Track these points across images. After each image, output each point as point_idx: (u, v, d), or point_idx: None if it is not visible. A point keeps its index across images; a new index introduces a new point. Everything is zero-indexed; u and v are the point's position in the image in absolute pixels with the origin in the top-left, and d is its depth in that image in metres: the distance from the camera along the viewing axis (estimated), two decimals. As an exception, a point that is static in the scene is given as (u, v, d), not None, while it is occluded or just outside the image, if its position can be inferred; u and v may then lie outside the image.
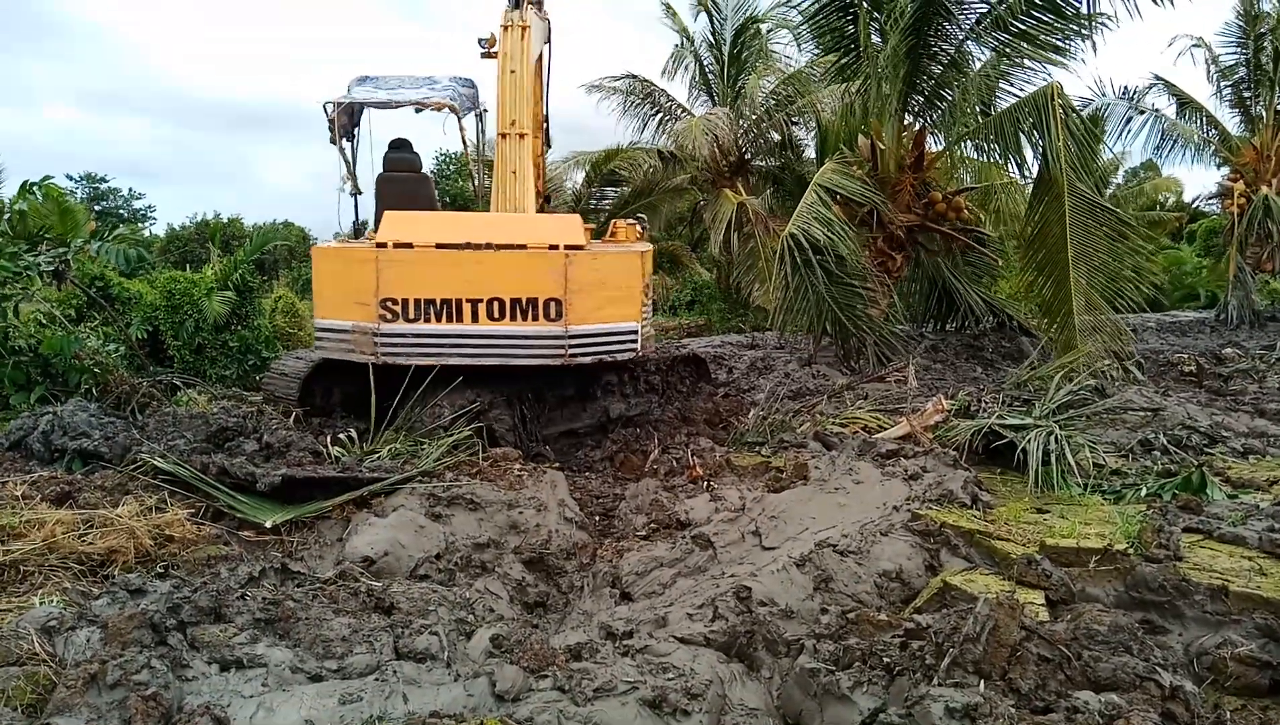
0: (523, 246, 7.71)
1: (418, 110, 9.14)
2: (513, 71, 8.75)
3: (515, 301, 7.63)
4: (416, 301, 7.69)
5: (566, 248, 7.72)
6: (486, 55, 9.16)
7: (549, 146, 11.18)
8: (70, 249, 12.91)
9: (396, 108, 9.06)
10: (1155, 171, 31.34)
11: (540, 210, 9.59)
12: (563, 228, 8.02)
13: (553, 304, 7.62)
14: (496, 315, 7.65)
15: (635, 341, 7.98)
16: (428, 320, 7.69)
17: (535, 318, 7.64)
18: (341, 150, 9.26)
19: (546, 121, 10.88)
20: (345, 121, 9.16)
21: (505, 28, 8.94)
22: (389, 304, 7.70)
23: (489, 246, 7.70)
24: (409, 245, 7.75)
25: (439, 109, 8.78)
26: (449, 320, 7.67)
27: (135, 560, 4.95)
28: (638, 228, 9.54)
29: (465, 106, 9.33)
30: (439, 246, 7.76)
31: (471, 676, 3.67)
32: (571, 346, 7.70)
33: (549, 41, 10.77)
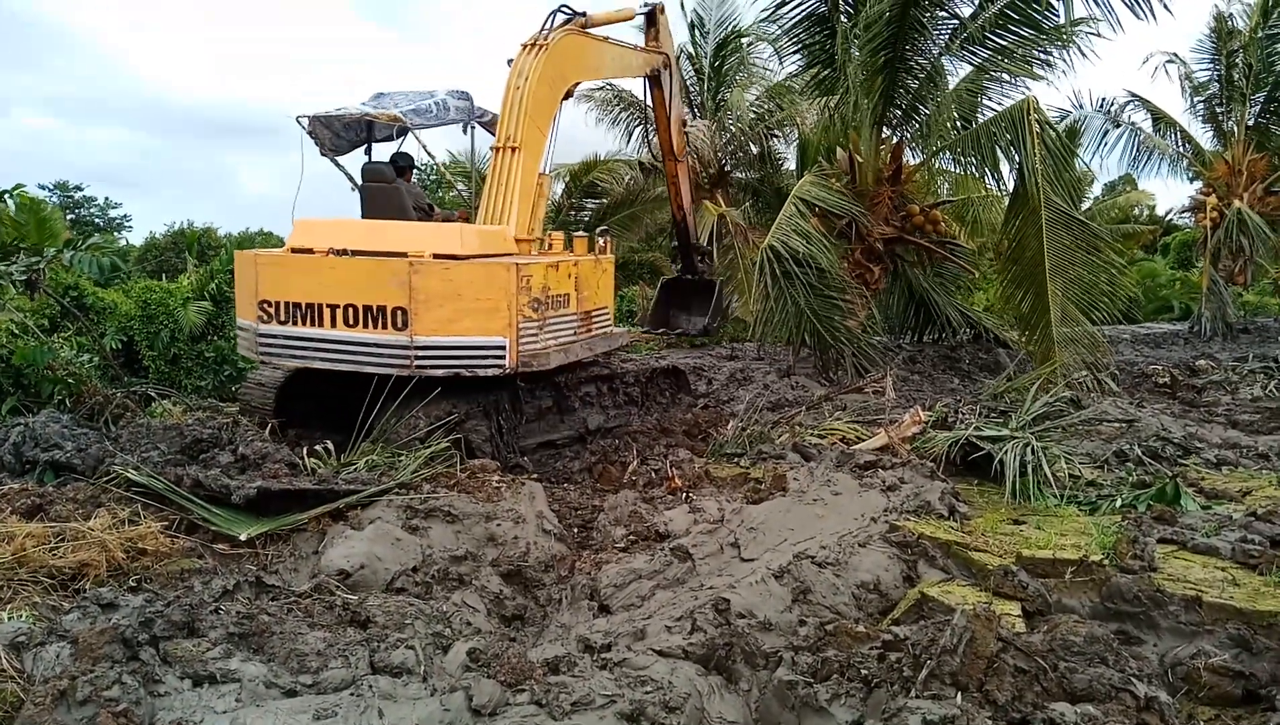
0: (403, 255, 7.70)
1: (372, 122, 9.18)
2: (517, 88, 8.83)
3: (367, 308, 7.67)
4: (285, 304, 7.92)
5: (434, 257, 7.66)
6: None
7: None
8: (44, 258, 12.78)
9: (350, 122, 9.09)
10: (1132, 185, 31.68)
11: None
12: (444, 236, 7.99)
13: (399, 313, 7.60)
14: (351, 321, 7.73)
15: (502, 356, 7.78)
16: (295, 322, 7.89)
17: (383, 326, 7.66)
18: (336, 163, 9.31)
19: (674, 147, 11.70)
20: (332, 137, 9.19)
21: (525, 45, 9.07)
22: (265, 306, 8.00)
23: (343, 253, 7.83)
24: (309, 251, 7.99)
25: (390, 121, 8.84)
26: (311, 323, 7.83)
27: (107, 574, 4.88)
28: (599, 240, 9.53)
29: (448, 118, 9.36)
30: (294, 251, 8.09)
31: (448, 691, 3.64)
32: (418, 357, 7.65)
33: (668, 69, 11.04)
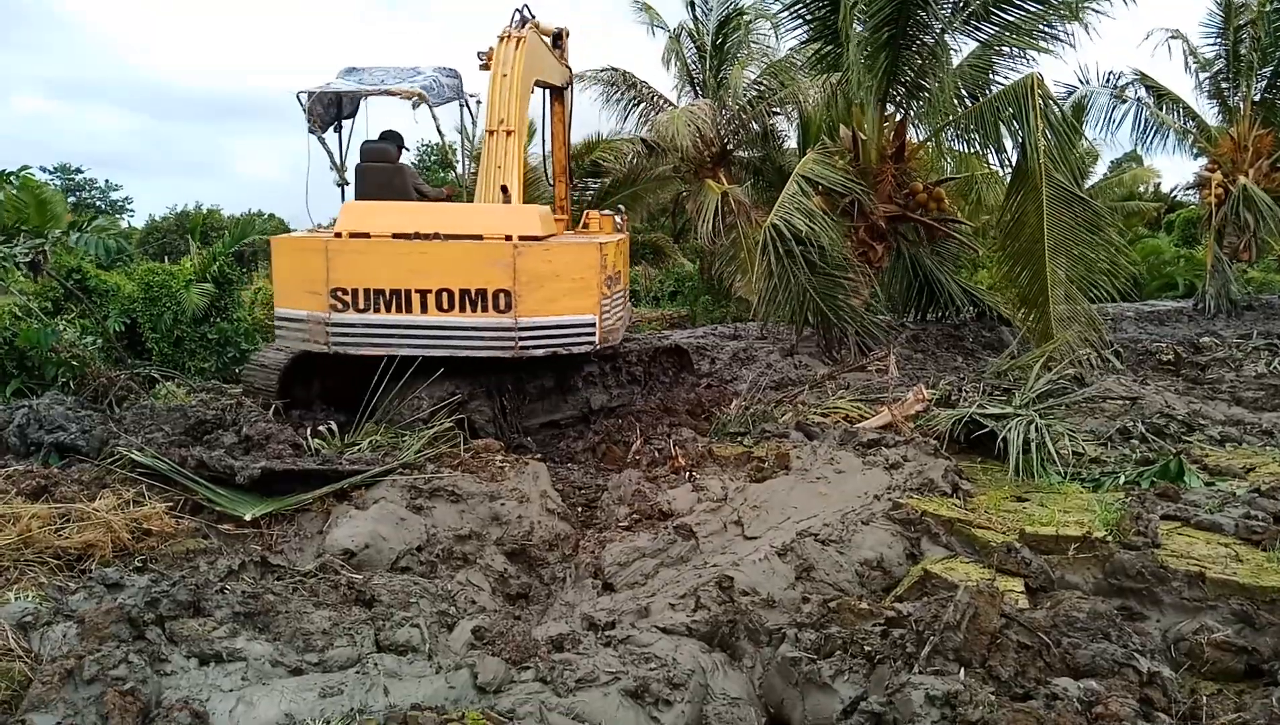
0: (479, 237, 7.67)
1: (417, 102, 9.10)
2: (504, 75, 8.86)
3: (465, 292, 7.59)
4: (367, 291, 7.68)
5: (520, 239, 7.66)
6: (484, 67, 9.34)
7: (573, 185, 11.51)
8: (48, 240, 12.77)
9: (366, 96, 9.02)
10: (1138, 162, 31.48)
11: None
12: (519, 218, 7.98)
13: (502, 295, 7.57)
14: (446, 306, 7.62)
15: (592, 334, 7.90)
16: (378, 310, 7.69)
17: (485, 309, 7.60)
18: (322, 141, 9.18)
19: (570, 169, 11.47)
20: (322, 112, 9.08)
21: (502, 38, 9.11)
22: (339, 294, 7.69)
23: (436, 237, 7.69)
24: (365, 235, 7.74)
25: (409, 97, 8.76)
26: (399, 310, 7.66)
27: (113, 554, 4.91)
28: (615, 218, 9.54)
29: (446, 96, 9.28)
30: (392, 237, 7.76)
31: (453, 668, 3.66)
32: (523, 339, 7.64)
33: (569, 87, 11.08)
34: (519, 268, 7.54)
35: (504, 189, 8.47)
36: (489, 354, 7.69)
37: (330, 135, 9.26)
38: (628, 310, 9.65)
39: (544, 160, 11.76)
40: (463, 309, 7.61)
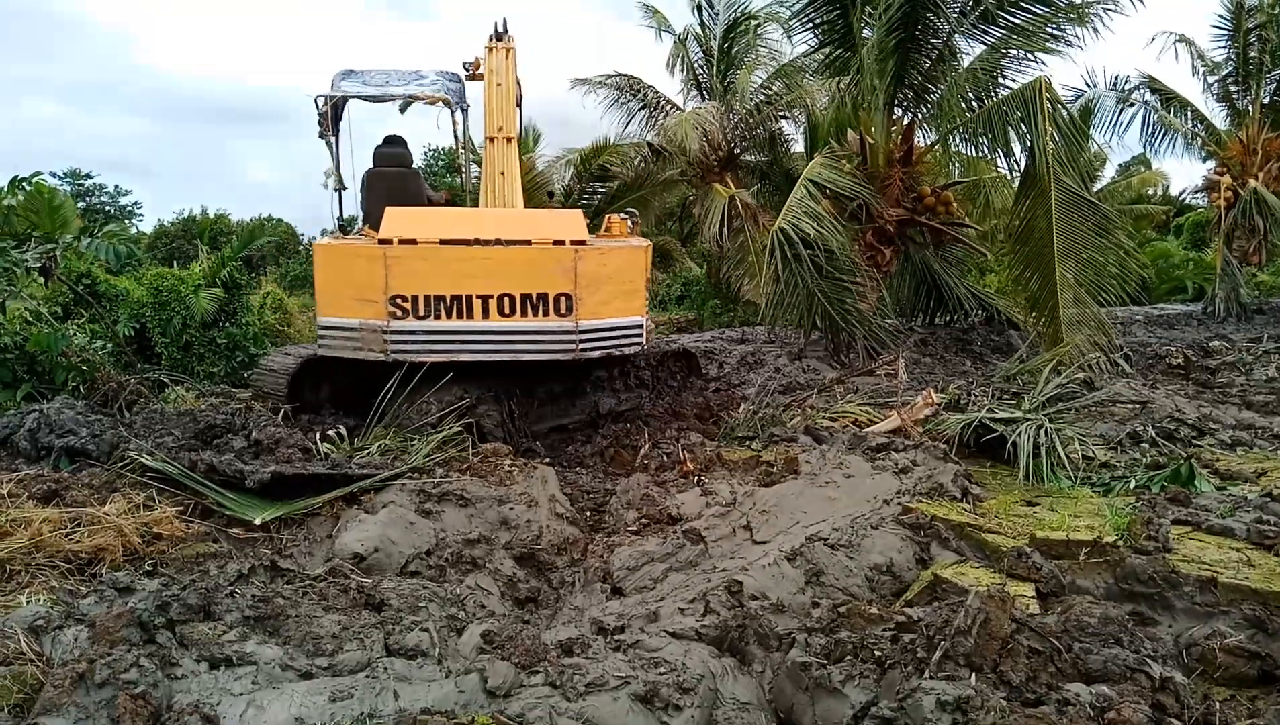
0: (528, 241, 7.69)
1: (406, 105, 9.15)
2: (499, 85, 9.06)
3: (526, 297, 7.60)
4: (426, 298, 7.62)
5: (573, 242, 7.71)
6: (472, 77, 9.49)
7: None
8: (58, 246, 12.83)
9: (389, 101, 9.06)
10: (1146, 165, 31.43)
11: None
12: (565, 223, 8.01)
13: (563, 299, 7.62)
14: (507, 311, 7.62)
15: (640, 335, 8.06)
16: (438, 317, 7.63)
17: (546, 313, 7.63)
18: (329, 144, 9.21)
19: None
20: (330, 116, 9.12)
21: (490, 49, 9.38)
22: (398, 301, 7.62)
23: (497, 242, 7.65)
24: (413, 241, 7.65)
25: (432, 102, 8.80)
26: (459, 316, 7.63)
27: (123, 558, 4.92)
28: (628, 222, 9.55)
29: (455, 100, 9.33)
30: (446, 242, 7.65)
31: (462, 673, 3.66)
32: (582, 341, 7.70)
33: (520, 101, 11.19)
34: (580, 271, 7.60)
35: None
36: (551, 357, 7.75)
37: (332, 139, 9.30)
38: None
39: None
40: (526, 313, 7.64)
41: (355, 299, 7.70)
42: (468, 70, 9.56)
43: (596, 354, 7.87)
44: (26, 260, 11.99)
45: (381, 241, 7.65)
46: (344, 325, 7.82)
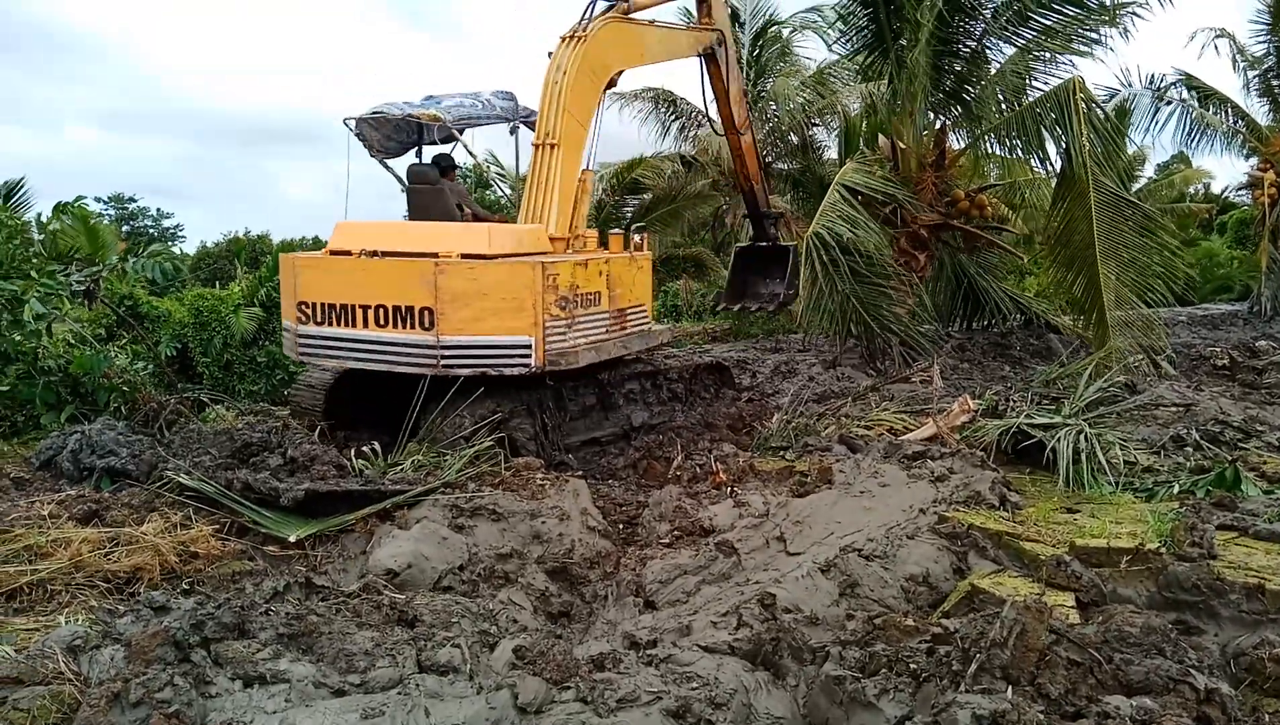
0: (434, 255, 7.70)
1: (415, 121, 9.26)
2: (555, 82, 8.76)
3: (396, 309, 7.73)
4: (322, 305, 8.07)
5: (462, 256, 7.65)
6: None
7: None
8: (102, 268, 13.07)
9: (400, 124, 9.20)
10: (1186, 163, 30.87)
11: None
12: (473, 237, 7.98)
13: (426, 313, 7.62)
14: (381, 322, 7.81)
15: (528, 354, 7.72)
16: (330, 323, 8.04)
17: (411, 326, 7.70)
18: (384, 165, 9.46)
19: (749, 119, 11.89)
20: (377, 137, 9.31)
21: (563, 38, 8.96)
22: (303, 307, 8.19)
23: (373, 254, 7.89)
24: (347, 252, 8.08)
25: (431, 121, 8.92)
26: (345, 325, 7.96)
27: (161, 577, 4.99)
28: (635, 238, 9.50)
29: (495, 118, 9.48)
30: (333, 253, 8.20)
31: (494, 689, 3.64)
32: (445, 357, 7.65)
33: (723, 46, 10.98)
34: (440, 286, 7.56)
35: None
36: (414, 370, 7.80)
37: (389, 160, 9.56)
38: (641, 332, 9.39)
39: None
40: (395, 325, 7.79)
41: (288, 304, 8.50)
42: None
43: (465, 371, 7.72)
44: (70, 283, 12.22)
45: (333, 253, 8.21)
46: (285, 327, 8.69)
